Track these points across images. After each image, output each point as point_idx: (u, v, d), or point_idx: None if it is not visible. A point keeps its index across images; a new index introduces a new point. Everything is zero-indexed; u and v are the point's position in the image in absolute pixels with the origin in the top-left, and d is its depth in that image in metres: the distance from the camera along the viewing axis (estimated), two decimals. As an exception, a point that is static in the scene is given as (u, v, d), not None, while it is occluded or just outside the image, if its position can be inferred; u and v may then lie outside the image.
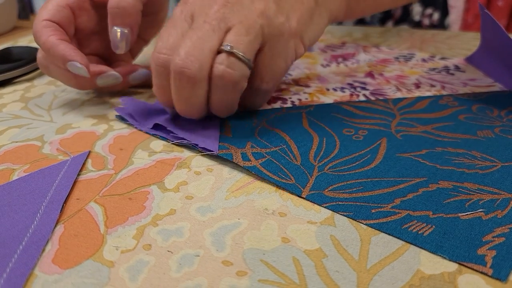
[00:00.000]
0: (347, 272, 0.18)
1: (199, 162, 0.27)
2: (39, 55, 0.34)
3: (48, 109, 0.35)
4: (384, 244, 0.20)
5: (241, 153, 0.26)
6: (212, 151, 0.27)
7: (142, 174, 0.25)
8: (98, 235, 0.21)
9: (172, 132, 0.29)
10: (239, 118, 0.31)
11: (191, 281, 0.18)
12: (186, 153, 0.28)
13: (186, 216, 0.22)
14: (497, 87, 0.36)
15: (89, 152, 0.28)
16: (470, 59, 0.41)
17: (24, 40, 0.56)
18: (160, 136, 0.29)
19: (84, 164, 0.27)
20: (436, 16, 0.63)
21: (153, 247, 0.20)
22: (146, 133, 0.30)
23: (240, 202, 0.23)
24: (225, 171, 0.26)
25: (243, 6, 0.28)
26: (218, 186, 0.24)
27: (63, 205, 0.23)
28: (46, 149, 0.29)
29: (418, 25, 0.62)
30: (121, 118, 0.32)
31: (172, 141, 0.29)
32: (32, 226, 0.21)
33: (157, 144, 0.29)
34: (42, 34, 0.32)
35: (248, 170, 0.25)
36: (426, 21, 0.62)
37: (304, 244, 0.20)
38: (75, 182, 0.25)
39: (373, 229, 0.20)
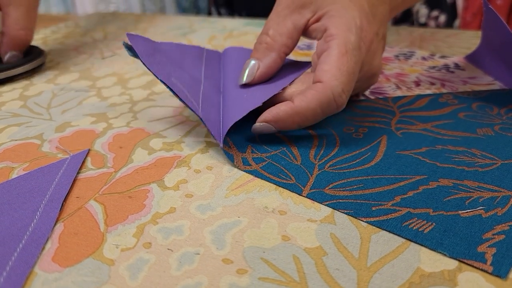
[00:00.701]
0: (347, 270, 0.18)
1: (199, 160, 0.27)
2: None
3: (47, 107, 0.35)
4: (384, 242, 0.20)
5: (241, 158, 0.26)
6: (218, 141, 0.26)
7: (141, 172, 0.25)
8: (98, 233, 0.21)
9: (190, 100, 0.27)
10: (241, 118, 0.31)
11: (191, 279, 0.18)
12: (186, 151, 0.28)
13: (186, 214, 0.22)
14: (497, 85, 0.36)
15: (89, 150, 0.28)
16: (470, 58, 0.41)
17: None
18: (172, 91, 0.27)
19: (83, 162, 0.27)
20: (442, 18, 0.62)
21: (153, 245, 0.20)
22: (155, 75, 0.27)
23: (240, 200, 0.23)
24: (224, 169, 0.26)
25: (373, 59, 0.30)
26: (218, 184, 0.24)
27: (62, 203, 0.23)
28: (46, 147, 0.29)
29: (423, 27, 0.62)
30: (129, 49, 0.29)
31: (184, 102, 0.27)
32: (32, 225, 0.21)
33: (157, 143, 0.29)
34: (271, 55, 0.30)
35: (248, 168, 0.25)
36: (432, 23, 0.62)
37: (304, 242, 0.20)
38: (74, 181, 0.25)
39: (373, 227, 0.20)
